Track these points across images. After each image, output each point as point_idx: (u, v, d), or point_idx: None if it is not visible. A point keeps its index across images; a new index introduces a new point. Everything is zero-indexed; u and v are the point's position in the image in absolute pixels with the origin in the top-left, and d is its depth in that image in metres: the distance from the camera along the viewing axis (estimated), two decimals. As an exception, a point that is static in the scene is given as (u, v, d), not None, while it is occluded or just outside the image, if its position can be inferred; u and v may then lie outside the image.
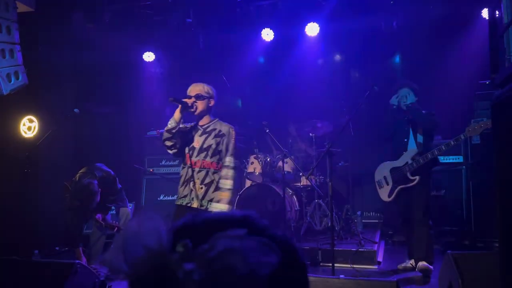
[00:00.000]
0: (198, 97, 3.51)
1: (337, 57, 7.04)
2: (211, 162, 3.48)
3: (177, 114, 3.46)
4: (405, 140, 4.32)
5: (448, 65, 5.94)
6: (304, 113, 6.17)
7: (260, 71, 7.14)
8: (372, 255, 4.63)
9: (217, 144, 3.49)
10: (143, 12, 5.86)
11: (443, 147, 4.07)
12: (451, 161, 5.43)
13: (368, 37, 6.14)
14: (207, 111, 3.60)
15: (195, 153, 3.50)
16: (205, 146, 3.50)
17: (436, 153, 4.10)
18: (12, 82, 3.84)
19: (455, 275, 2.66)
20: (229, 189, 3.43)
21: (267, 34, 6.30)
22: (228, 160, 3.49)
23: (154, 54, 6.87)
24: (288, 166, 5.49)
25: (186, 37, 6.33)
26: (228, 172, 3.46)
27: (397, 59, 6.66)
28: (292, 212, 5.39)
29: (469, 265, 2.69)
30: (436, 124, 4.26)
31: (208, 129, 3.57)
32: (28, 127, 5.16)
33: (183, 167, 3.61)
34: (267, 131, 5.00)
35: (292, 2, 5.69)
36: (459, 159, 5.41)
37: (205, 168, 3.49)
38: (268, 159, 5.65)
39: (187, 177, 3.52)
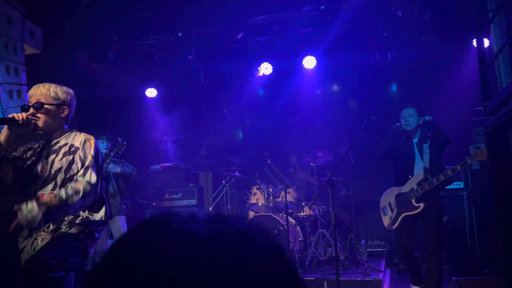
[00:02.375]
0: (40, 105, 2.49)
1: (335, 87, 7.21)
2: None
3: (3, 135, 2.41)
4: (411, 163, 4.19)
5: (444, 92, 6.07)
6: (304, 143, 6.27)
7: (260, 103, 7.30)
8: (378, 284, 4.59)
9: (69, 165, 2.51)
10: (145, 51, 6.07)
11: (458, 167, 3.92)
12: (452, 187, 5.47)
13: (364, 68, 6.32)
14: (57, 124, 2.60)
15: (39, 186, 2.51)
16: (53, 171, 2.51)
17: (450, 173, 3.93)
18: (19, 121, 3.96)
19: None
20: (61, 197, 2.33)
21: (266, 68, 6.49)
22: (82, 173, 2.47)
23: (156, 90, 7.06)
24: (290, 196, 5.53)
25: (188, 72, 6.52)
26: (77, 185, 2.40)
27: (393, 87, 6.82)
28: (296, 243, 5.38)
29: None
30: (448, 140, 4.12)
31: (56, 147, 2.58)
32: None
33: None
34: (269, 161, 5.07)
35: (289, 37, 5.89)
36: (459, 185, 5.45)
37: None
38: (271, 190, 5.69)
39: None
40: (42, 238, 2.42)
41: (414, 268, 4.19)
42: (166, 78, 6.77)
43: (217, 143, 6.91)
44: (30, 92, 2.57)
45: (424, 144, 4.16)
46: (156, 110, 7.35)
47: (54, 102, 2.55)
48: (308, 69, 6.44)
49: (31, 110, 2.48)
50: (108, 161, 5.08)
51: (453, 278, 2.89)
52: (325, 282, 4.66)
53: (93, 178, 2.46)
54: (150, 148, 7.23)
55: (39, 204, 2.26)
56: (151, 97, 7.13)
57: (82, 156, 2.52)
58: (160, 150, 7.36)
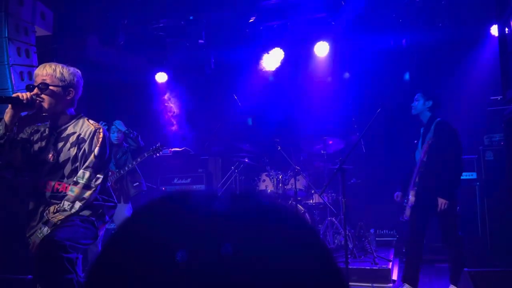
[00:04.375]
0: (45, 85, 2.41)
1: (346, 74, 7.10)
2: (70, 184, 2.47)
3: (7, 116, 2.33)
4: (416, 152, 4.11)
5: (459, 81, 5.95)
6: (315, 130, 6.20)
7: (271, 89, 7.22)
8: (386, 274, 4.57)
9: (75, 156, 2.48)
10: (156, 34, 6.01)
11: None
12: (464, 177, 5.39)
13: (379, 54, 6.20)
14: (63, 106, 2.51)
15: (45, 171, 2.49)
16: (61, 160, 2.48)
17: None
18: (30, 103, 3.95)
19: (472, 293, 2.62)
20: (65, 211, 2.38)
21: (277, 53, 6.40)
22: (81, 174, 2.44)
23: (166, 74, 7.02)
24: (300, 183, 5.49)
25: (198, 57, 6.46)
26: (75, 191, 2.40)
27: (407, 76, 6.69)
28: (304, 230, 5.36)
29: (487, 283, 2.65)
30: (455, 149, 3.88)
31: (65, 134, 2.53)
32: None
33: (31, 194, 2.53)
34: (279, 148, 5.03)
35: (302, 22, 5.78)
36: (472, 175, 5.36)
37: (60, 193, 2.48)
38: (280, 177, 5.66)
39: (33, 208, 2.51)
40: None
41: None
42: (177, 62, 6.72)
43: (226, 129, 6.88)
44: (36, 71, 2.48)
45: (427, 134, 3.99)
46: (166, 95, 7.32)
47: (60, 83, 2.46)
48: (320, 54, 6.33)
49: (36, 91, 2.39)
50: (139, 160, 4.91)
51: (465, 269, 2.85)
52: (333, 270, 4.65)
53: (92, 180, 2.44)
54: (160, 133, 7.22)
55: (49, 225, 2.36)
56: (161, 81, 7.10)
57: (86, 152, 2.47)
58: (169, 135, 7.35)
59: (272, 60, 6.54)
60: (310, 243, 0.50)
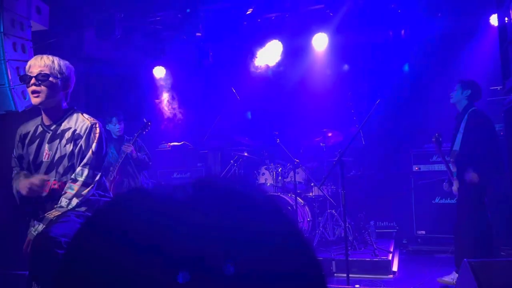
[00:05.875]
0: (43, 77, 2.32)
1: (345, 66, 7.06)
2: (65, 182, 2.42)
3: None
4: (453, 139, 4.04)
5: (459, 72, 5.91)
6: (314, 123, 6.18)
7: (269, 82, 7.19)
8: (387, 265, 4.58)
9: (72, 152, 2.42)
10: (153, 27, 5.97)
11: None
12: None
13: (377, 46, 6.16)
14: (59, 99, 2.45)
15: (41, 171, 2.43)
16: (57, 158, 2.41)
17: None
18: (27, 99, 3.92)
19: (473, 284, 2.62)
20: (63, 208, 2.33)
21: (276, 45, 6.37)
22: (80, 171, 2.39)
23: (164, 68, 6.98)
24: (299, 176, 5.48)
25: (196, 50, 6.42)
26: (74, 189, 2.36)
27: (406, 67, 6.66)
28: (304, 223, 5.37)
29: (488, 274, 2.64)
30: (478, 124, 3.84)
31: (59, 130, 2.45)
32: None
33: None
34: (278, 141, 5.01)
35: (300, 14, 5.74)
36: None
37: (56, 192, 2.41)
38: (279, 170, 5.65)
39: (30, 210, 2.47)
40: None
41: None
42: (174, 55, 6.68)
43: (225, 122, 6.85)
44: (31, 62, 2.36)
45: (461, 123, 3.95)
46: (164, 88, 7.28)
47: (59, 75, 2.40)
48: (318, 46, 6.29)
49: (33, 81, 2.31)
50: (131, 142, 4.93)
51: (464, 259, 2.84)
52: (333, 262, 4.66)
53: (90, 177, 2.40)
54: (158, 127, 7.20)
55: (44, 221, 2.31)
56: (158, 75, 7.06)
57: (83, 148, 2.41)
58: (168, 129, 7.33)
59: (270, 52, 6.49)
60: (284, 231, 0.49)
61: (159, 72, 7.02)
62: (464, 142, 3.87)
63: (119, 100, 6.63)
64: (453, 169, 3.97)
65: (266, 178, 5.69)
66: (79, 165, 2.40)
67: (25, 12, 4.19)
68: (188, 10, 5.42)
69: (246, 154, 6.07)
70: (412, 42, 5.94)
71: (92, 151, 2.42)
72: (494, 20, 5.27)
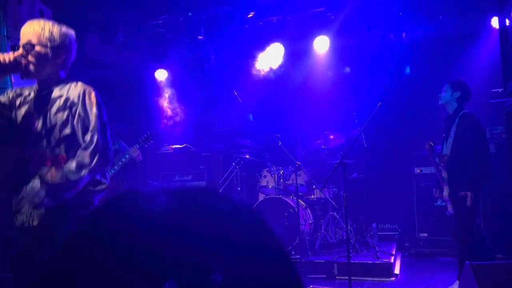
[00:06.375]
0: (31, 46, 2.08)
1: (347, 69, 7.07)
2: (57, 156, 2.11)
3: None
4: (443, 144, 3.98)
5: (460, 74, 5.91)
6: (316, 125, 6.19)
7: (271, 84, 7.21)
8: (388, 268, 4.58)
9: (63, 123, 2.12)
10: (155, 31, 6.00)
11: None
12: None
13: (379, 48, 6.18)
14: (52, 70, 2.17)
15: (31, 141, 2.12)
16: (48, 127, 2.12)
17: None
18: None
19: (474, 286, 2.62)
20: (64, 174, 2.04)
21: (277, 48, 6.39)
22: (89, 140, 2.10)
23: (166, 71, 7.01)
24: (301, 178, 5.49)
25: (198, 53, 6.45)
26: (84, 156, 2.07)
27: (407, 69, 6.67)
28: (306, 225, 5.37)
29: (489, 276, 2.64)
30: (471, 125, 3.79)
31: (49, 98, 2.16)
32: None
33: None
34: (280, 143, 5.02)
35: (301, 16, 5.76)
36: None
37: (46, 166, 2.09)
38: (281, 172, 5.65)
39: (18, 182, 2.15)
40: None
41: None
42: (176, 59, 6.71)
43: (227, 125, 6.87)
44: (22, 29, 2.11)
45: (451, 127, 3.89)
46: (166, 91, 7.31)
47: (49, 43, 2.10)
48: (320, 49, 6.31)
49: (20, 51, 2.06)
50: (126, 156, 4.77)
51: (466, 262, 2.84)
52: (335, 265, 4.66)
53: (101, 143, 2.11)
54: (160, 130, 7.22)
55: (42, 182, 2.05)
56: (160, 78, 7.10)
57: (83, 116, 2.12)
58: (170, 132, 7.35)
59: (272, 55, 6.52)
60: (266, 242, 0.50)
61: (161, 75, 7.06)
62: (455, 147, 3.81)
63: (121, 103, 6.65)
64: (444, 174, 3.90)
65: (268, 180, 5.70)
66: (85, 134, 2.12)
67: (28, 16, 4.23)
68: (190, 14, 5.45)
69: (248, 156, 6.09)
70: (414, 45, 5.95)
71: (95, 115, 2.14)
72: (495, 22, 5.28)
